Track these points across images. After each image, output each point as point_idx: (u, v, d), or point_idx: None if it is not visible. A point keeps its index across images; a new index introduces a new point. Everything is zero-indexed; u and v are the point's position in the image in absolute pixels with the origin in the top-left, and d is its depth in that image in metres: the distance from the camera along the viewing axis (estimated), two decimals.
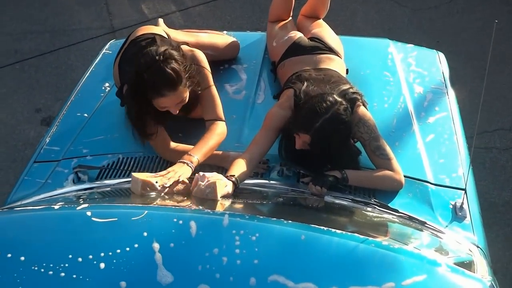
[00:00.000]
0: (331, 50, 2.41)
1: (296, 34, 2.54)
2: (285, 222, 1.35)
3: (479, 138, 3.79)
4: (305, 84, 2.11)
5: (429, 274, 1.23)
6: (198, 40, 2.49)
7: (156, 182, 1.76)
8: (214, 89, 2.16)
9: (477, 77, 4.26)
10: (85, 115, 2.40)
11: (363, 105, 2.09)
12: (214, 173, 1.76)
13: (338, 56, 2.43)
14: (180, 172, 1.86)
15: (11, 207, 1.93)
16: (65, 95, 4.30)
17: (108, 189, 2.00)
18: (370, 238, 1.31)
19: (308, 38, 2.51)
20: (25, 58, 4.66)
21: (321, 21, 2.68)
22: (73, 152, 2.22)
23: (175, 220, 1.35)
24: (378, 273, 1.22)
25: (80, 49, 4.73)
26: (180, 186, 1.81)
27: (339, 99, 1.97)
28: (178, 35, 2.44)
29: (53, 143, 2.29)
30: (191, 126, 2.26)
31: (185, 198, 1.75)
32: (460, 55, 4.43)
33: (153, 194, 1.74)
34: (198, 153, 1.97)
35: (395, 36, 4.50)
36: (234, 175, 1.85)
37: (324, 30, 2.55)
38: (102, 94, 2.50)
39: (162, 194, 1.75)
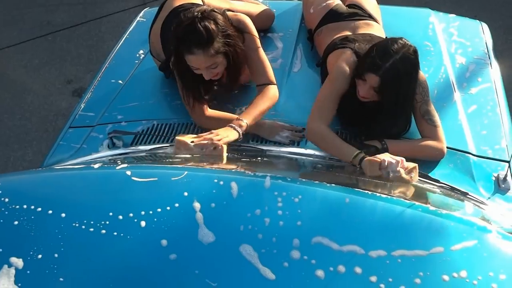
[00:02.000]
0: (370, 17, 2.35)
1: (334, 1, 2.47)
2: (328, 185, 1.31)
3: None
4: (356, 43, 2.05)
5: (480, 240, 1.18)
6: (232, 7, 2.45)
7: (192, 142, 1.75)
8: (262, 52, 2.10)
9: None
10: (120, 81, 2.39)
11: None
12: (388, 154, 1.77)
13: (377, 23, 2.36)
14: (224, 135, 1.83)
15: (50, 168, 1.93)
16: (96, 67, 4.31)
17: (143, 154, 1.98)
18: (417, 203, 1.27)
19: (346, 5, 2.45)
20: (57, 30, 4.68)
21: None
22: (107, 118, 2.21)
23: (215, 181, 1.32)
24: (425, 238, 1.18)
25: (111, 21, 4.73)
26: (220, 149, 1.79)
27: (408, 43, 1.88)
28: (212, 1, 2.40)
29: (88, 109, 2.29)
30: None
31: (216, 162, 1.74)
32: (498, 30, 4.29)
33: (187, 154, 1.74)
34: (248, 117, 1.94)
35: (432, 8, 4.38)
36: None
37: None
38: (137, 61, 2.48)
39: (196, 155, 1.75)
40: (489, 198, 1.83)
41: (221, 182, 1.32)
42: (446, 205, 1.69)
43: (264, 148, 1.99)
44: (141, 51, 2.53)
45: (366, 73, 1.85)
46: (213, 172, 1.38)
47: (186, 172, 1.35)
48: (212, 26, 1.86)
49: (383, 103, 1.91)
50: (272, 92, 2.06)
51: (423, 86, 1.99)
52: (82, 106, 2.31)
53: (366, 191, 1.30)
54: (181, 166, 1.40)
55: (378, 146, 1.92)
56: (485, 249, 1.17)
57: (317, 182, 1.33)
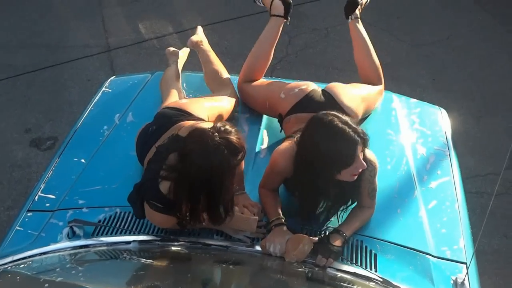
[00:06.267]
0: (340, 109, 2.21)
1: (308, 86, 2.41)
2: None
3: (472, 182, 3.76)
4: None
5: None
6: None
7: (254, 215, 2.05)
8: None
9: (471, 118, 4.25)
10: (82, 160, 2.33)
11: None
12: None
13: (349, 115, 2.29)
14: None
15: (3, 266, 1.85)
16: (57, 116, 4.24)
17: (105, 248, 1.94)
18: None
19: (322, 90, 2.40)
20: (18, 74, 4.57)
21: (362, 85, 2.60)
22: (68, 203, 2.15)
23: None
24: None
25: (75, 67, 4.66)
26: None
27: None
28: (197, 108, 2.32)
29: (48, 191, 2.22)
30: None
31: None
32: (456, 93, 4.42)
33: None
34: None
35: (392, 71, 4.46)
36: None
37: (345, 87, 2.44)
38: (101, 138, 2.43)
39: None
40: None
41: None
42: None
43: (228, 244, 1.98)
44: (105, 127, 2.48)
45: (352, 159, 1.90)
46: None
47: None
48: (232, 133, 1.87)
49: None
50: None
51: (376, 168, 2.05)
52: (42, 187, 2.24)
53: None
54: None
55: (340, 240, 1.93)
56: None
57: None
